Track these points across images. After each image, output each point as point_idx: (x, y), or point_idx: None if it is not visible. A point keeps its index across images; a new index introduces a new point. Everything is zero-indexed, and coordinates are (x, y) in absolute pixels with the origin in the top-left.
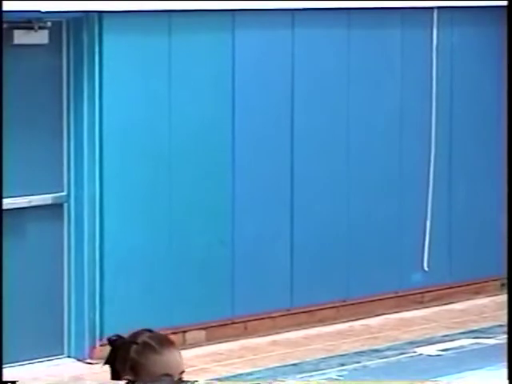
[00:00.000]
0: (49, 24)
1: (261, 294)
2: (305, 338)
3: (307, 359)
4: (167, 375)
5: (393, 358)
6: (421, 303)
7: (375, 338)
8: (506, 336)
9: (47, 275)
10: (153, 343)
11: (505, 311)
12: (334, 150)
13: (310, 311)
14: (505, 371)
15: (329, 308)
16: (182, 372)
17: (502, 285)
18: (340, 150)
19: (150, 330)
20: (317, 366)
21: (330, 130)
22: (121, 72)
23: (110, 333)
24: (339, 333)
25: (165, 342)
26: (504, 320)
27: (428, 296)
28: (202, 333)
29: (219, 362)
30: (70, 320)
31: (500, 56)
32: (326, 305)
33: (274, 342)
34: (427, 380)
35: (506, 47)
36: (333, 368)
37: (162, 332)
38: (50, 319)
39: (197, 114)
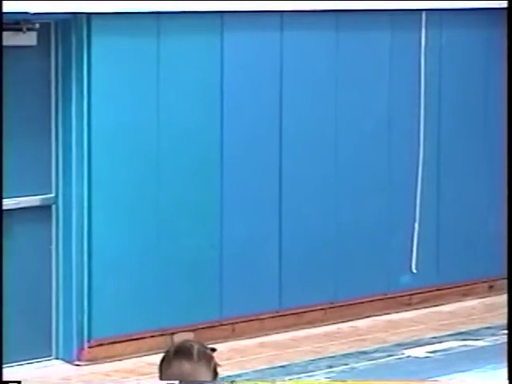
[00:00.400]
0: (37, 25)
1: (249, 295)
2: (293, 339)
3: (295, 361)
4: None
5: (381, 360)
6: (409, 305)
7: (363, 339)
8: (493, 338)
9: (35, 277)
10: (169, 353)
11: (493, 313)
12: (323, 152)
13: (299, 313)
14: (493, 373)
15: (317, 310)
16: None
17: (490, 287)
18: (329, 151)
19: (187, 341)
20: (305, 368)
21: (319, 132)
22: (109, 74)
23: (98, 334)
24: (327, 335)
25: (180, 353)
26: (492, 322)
27: (416, 298)
28: (190, 334)
29: None
30: (58, 322)
31: (488, 58)
32: (315, 307)
33: (262, 344)
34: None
35: (498, 49)
36: (321, 370)
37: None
38: (38, 321)
39: (185, 116)
